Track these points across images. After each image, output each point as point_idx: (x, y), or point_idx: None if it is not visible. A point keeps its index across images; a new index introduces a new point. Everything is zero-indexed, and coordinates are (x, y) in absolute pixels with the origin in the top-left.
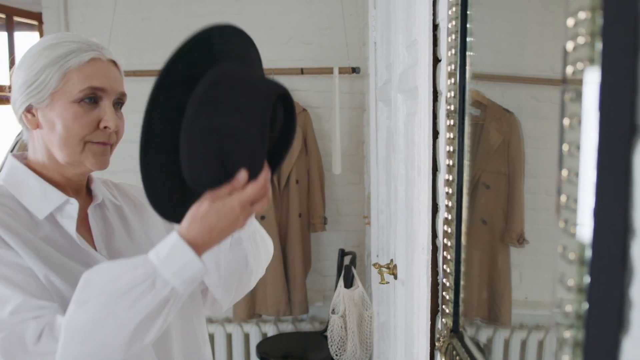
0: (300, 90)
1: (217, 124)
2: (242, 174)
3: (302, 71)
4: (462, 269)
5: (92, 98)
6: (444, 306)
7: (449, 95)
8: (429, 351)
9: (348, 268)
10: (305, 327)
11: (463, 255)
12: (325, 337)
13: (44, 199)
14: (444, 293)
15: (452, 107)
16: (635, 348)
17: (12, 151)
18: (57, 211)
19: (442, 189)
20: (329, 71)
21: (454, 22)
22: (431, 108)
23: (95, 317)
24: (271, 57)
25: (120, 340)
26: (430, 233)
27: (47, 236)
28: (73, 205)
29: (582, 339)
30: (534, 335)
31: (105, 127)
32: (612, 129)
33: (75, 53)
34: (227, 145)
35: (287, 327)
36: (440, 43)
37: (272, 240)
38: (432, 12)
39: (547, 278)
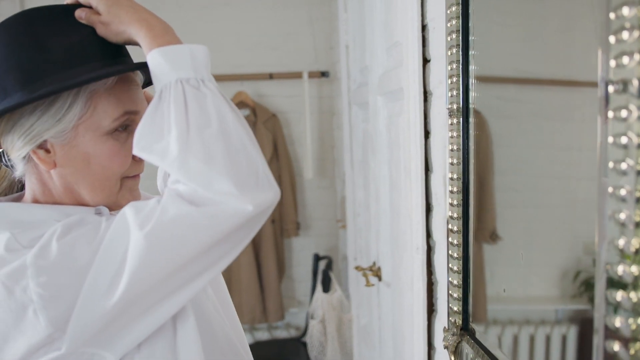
0: (269, 95)
1: None
2: None
3: (270, 76)
4: (471, 266)
5: (125, 126)
6: (450, 305)
7: (450, 94)
8: (426, 351)
9: (326, 272)
10: (282, 334)
11: (471, 253)
12: (303, 343)
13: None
14: (450, 291)
15: (455, 106)
16: None
17: None
18: None
19: (439, 188)
20: (298, 76)
21: (453, 22)
22: (422, 108)
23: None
24: (238, 63)
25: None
26: (425, 233)
27: None
28: (103, 212)
29: None
30: (541, 330)
31: (141, 159)
32: None
33: None
34: None
35: (262, 335)
36: (429, 43)
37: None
38: (420, 13)
39: (521, 273)
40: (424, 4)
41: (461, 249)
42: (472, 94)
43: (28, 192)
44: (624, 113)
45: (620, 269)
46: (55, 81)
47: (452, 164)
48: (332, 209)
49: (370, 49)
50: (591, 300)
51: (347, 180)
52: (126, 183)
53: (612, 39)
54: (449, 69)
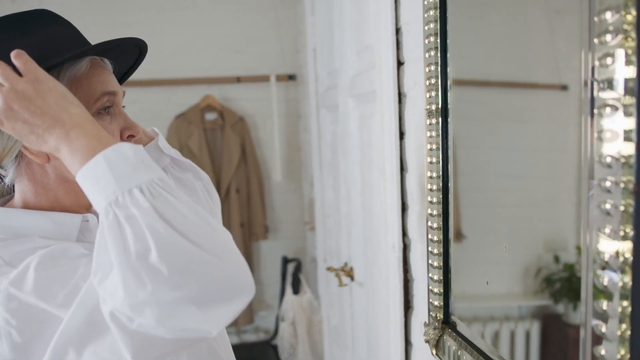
0: (236, 99)
1: None
2: None
3: (238, 79)
4: (451, 263)
5: (106, 107)
6: (431, 300)
7: (428, 96)
8: (403, 347)
9: (295, 274)
10: (251, 337)
11: (451, 249)
12: (272, 346)
13: (57, 229)
14: (430, 287)
15: (434, 107)
16: None
17: None
18: (80, 234)
19: (415, 187)
20: (265, 79)
21: (431, 25)
22: (397, 110)
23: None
24: (205, 66)
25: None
26: (401, 232)
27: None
28: (91, 221)
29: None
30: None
31: (129, 136)
32: None
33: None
34: None
35: (231, 339)
36: (403, 46)
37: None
38: (394, 16)
39: (484, 271)
40: (398, 8)
41: (441, 245)
42: (450, 95)
43: (18, 195)
44: (607, 110)
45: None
46: None
47: (430, 162)
48: (300, 211)
49: (340, 52)
50: (552, 295)
51: (316, 182)
52: None
53: (596, 41)
54: (427, 70)
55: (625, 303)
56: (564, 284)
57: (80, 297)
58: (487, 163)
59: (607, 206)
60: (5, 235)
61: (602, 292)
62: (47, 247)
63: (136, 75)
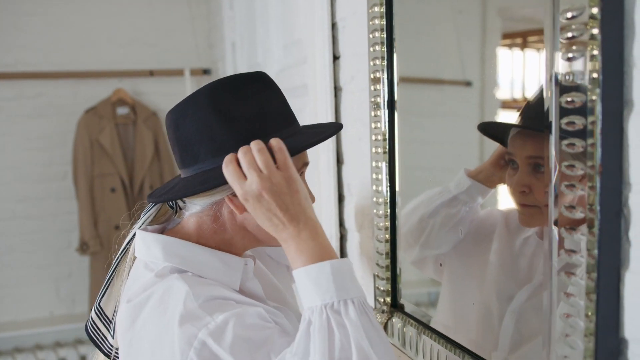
0: (149, 93)
1: None
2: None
3: (151, 73)
4: (398, 249)
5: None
6: (377, 285)
7: (373, 89)
8: None
9: None
10: None
11: (398, 236)
12: None
13: (227, 270)
14: (376, 273)
15: (379, 99)
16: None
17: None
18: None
19: (352, 179)
20: (179, 73)
21: (376, 21)
22: (333, 103)
23: None
24: (114, 60)
25: None
26: (339, 222)
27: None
28: (249, 265)
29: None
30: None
31: None
32: (610, 104)
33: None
34: None
35: None
36: (338, 42)
37: None
38: (330, 12)
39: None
40: (334, 4)
41: (388, 232)
42: (396, 88)
43: (193, 227)
44: (572, 104)
45: None
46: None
47: (376, 152)
48: None
49: (264, 46)
50: None
51: None
52: None
53: (560, 39)
54: (372, 64)
55: None
56: None
57: None
58: (403, 155)
59: None
60: (186, 267)
61: None
62: (239, 302)
63: (41, 67)
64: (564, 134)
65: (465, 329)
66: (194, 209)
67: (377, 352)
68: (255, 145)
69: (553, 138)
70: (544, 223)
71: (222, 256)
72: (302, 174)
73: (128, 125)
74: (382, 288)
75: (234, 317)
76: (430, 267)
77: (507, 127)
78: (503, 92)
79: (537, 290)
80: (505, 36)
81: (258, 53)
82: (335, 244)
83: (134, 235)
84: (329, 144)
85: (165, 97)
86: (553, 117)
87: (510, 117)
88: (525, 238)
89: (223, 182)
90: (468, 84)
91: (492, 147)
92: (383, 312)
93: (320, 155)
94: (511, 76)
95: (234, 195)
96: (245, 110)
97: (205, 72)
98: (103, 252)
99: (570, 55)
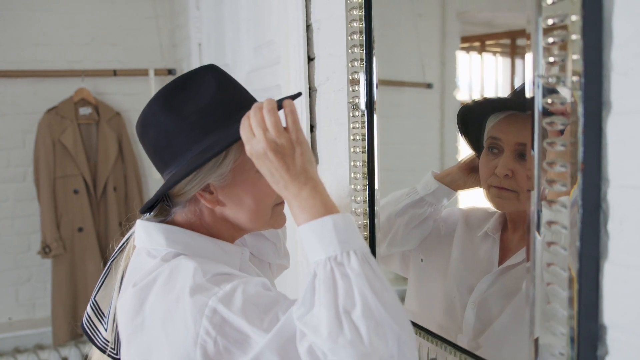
0: (111, 93)
1: None
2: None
3: (115, 73)
4: (377, 245)
5: None
6: None
7: (351, 89)
8: None
9: None
10: None
11: (377, 235)
12: None
13: (226, 256)
14: None
15: (357, 100)
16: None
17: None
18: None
19: (327, 178)
20: (143, 73)
21: (355, 24)
22: (308, 104)
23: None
24: (76, 59)
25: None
26: None
27: None
28: (245, 254)
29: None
30: None
31: None
32: (591, 105)
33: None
34: None
35: None
36: (313, 43)
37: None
38: (305, 13)
39: None
40: (309, 6)
41: (368, 229)
42: (374, 89)
43: (181, 217)
44: (554, 103)
45: None
46: (219, 140)
47: (355, 152)
48: None
49: (233, 47)
50: None
51: None
52: (275, 210)
53: (543, 43)
54: (350, 66)
55: None
56: None
57: (278, 326)
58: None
59: None
60: (188, 252)
61: None
62: (242, 277)
63: None
64: (546, 133)
65: (432, 316)
66: (178, 207)
67: (381, 299)
68: (267, 104)
69: (536, 136)
70: (519, 208)
71: (220, 244)
72: None
73: (91, 125)
74: None
75: (242, 285)
76: (397, 263)
77: (499, 105)
78: (462, 94)
79: (495, 279)
80: (464, 39)
81: (226, 53)
82: None
83: (132, 234)
84: None
85: (128, 97)
86: (536, 118)
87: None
88: (483, 234)
89: (179, 180)
90: (429, 85)
91: (452, 146)
92: None
93: None
94: (469, 78)
95: (203, 190)
96: (196, 103)
97: (170, 72)
98: (66, 255)
99: (552, 59)
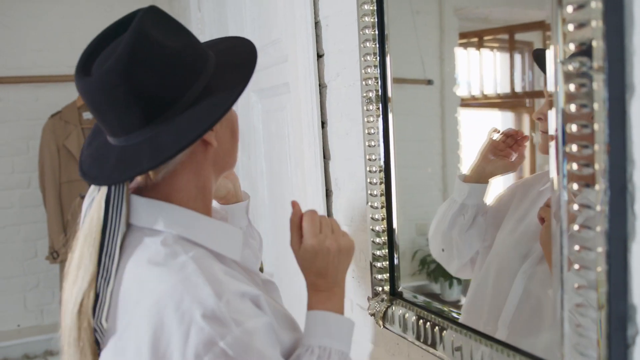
0: None
1: None
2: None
3: None
4: (395, 239)
5: None
6: (374, 275)
7: (365, 84)
8: None
9: None
10: None
11: (395, 226)
12: None
13: (229, 240)
14: (373, 263)
15: (372, 94)
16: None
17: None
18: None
19: (340, 173)
20: None
21: (366, 18)
22: (318, 100)
23: None
24: (75, 63)
25: None
26: (327, 216)
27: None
28: (242, 235)
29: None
30: None
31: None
32: (614, 89)
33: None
34: None
35: None
36: (321, 40)
37: None
38: (313, 11)
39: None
40: (317, 3)
41: (385, 222)
42: (389, 83)
43: (177, 189)
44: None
45: None
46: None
47: (370, 146)
48: None
49: None
50: (428, 275)
51: None
52: None
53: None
54: (363, 60)
55: None
56: (438, 264)
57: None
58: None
59: None
60: (191, 237)
61: None
62: (253, 295)
63: None
64: (570, 119)
65: (478, 305)
66: (168, 168)
67: None
68: (317, 212)
69: (560, 124)
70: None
71: (221, 225)
72: None
73: None
74: (379, 277)
75: (255, 333)
76: (468, 270)
77: None
78: (462, 90)
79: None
80: (462, 35)
81: None
82: None
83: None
84: (315, 139)
85: None
86: (559, 103)
87: (470, 115)
88: (540, 191)
89: (211, 125)
90: (429, 82)
91: (454, 143)
92: (382, 300)
93: (304, 151)
94: (468, 74)
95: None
96: (177, 40)
97: None
98: None
99: (573, 45)
